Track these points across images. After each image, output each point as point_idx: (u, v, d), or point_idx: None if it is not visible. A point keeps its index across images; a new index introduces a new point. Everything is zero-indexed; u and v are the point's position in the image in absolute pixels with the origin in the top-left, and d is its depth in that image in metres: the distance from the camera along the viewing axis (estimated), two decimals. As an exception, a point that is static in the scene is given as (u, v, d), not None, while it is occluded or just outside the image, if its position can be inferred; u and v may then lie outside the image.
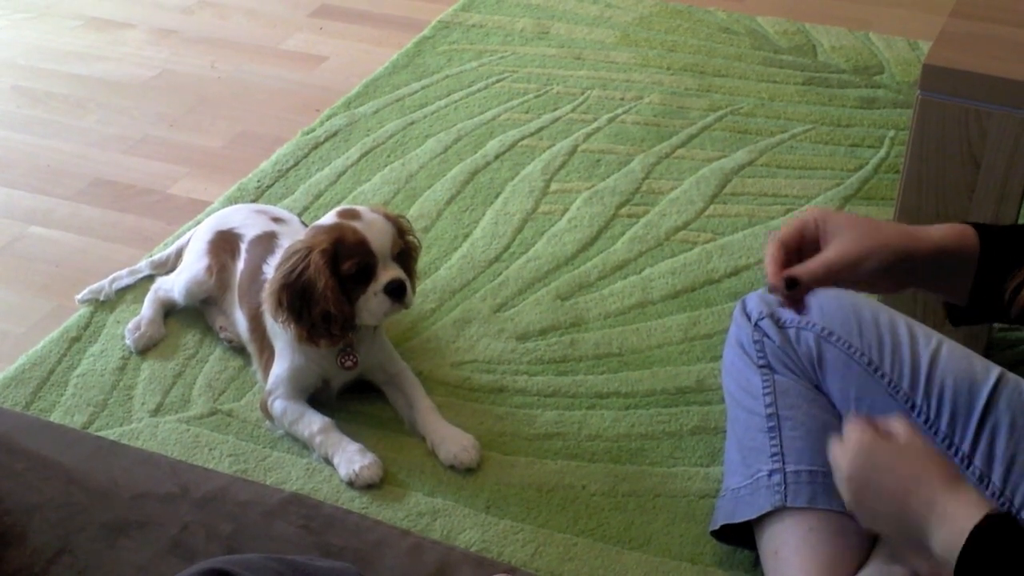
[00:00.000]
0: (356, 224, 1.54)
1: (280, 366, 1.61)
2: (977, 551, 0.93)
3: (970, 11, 1.59)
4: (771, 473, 1.31)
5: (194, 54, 2.65)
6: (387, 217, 1.58)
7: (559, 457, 1.58)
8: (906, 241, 1.11)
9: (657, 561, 1.43)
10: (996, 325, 1.67)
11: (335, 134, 2.28)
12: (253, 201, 2.07)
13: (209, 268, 1.76)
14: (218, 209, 2.04)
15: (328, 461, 1.56)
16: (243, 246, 1.73)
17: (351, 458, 1.54)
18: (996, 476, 1.20)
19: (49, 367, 1.73)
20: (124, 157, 2.28)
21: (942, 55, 1.47)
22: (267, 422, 1.62)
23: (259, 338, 1.66)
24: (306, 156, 2.22)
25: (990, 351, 1.66)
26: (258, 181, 2.14)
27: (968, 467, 1.21)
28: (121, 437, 1.60)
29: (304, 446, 1.58)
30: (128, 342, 1.76)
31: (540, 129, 2.28)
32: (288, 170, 2.18)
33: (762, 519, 1.31)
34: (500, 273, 1.91)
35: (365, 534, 1.28)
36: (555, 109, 2.35)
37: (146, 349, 1.76)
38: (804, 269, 1.11)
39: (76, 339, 1.78)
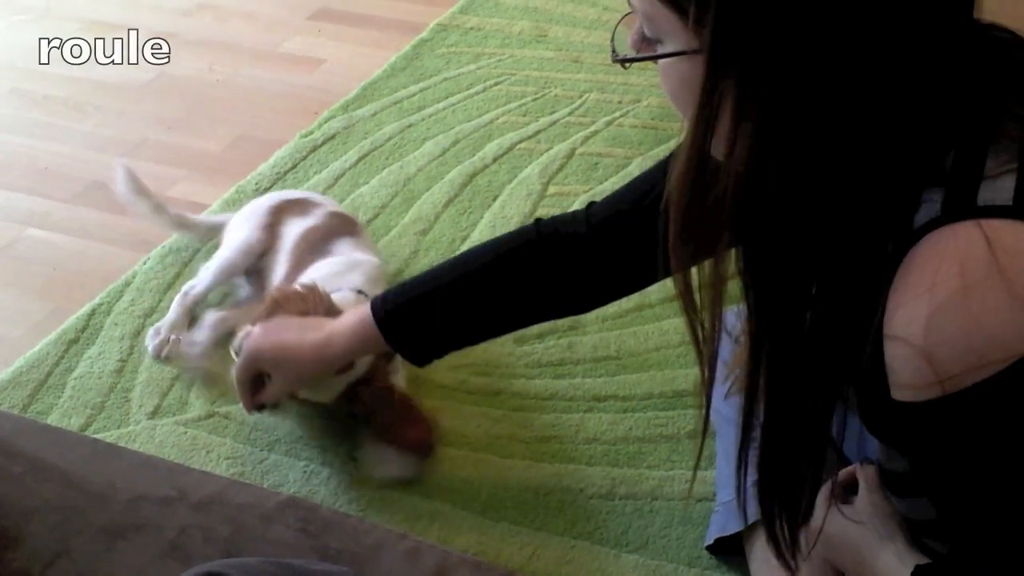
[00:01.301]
0: None
1: None
2: None
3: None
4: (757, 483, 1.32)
5: (192, 57, 2.65)
6: None
7: (556, 460, 1.58)
8: (319, 365, 1.43)
9: (654, 564, 1.43)
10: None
11: (333, 137, 2.28)
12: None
13: (265, 230, 1.79)
14: (216, 212, 2.05)
15: None
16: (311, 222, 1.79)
17: None
18: None
19: (46, 370, 1.73)
20: (122, 160, 2.27)
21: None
22: None
23: None
24: (304, 159, 2.22)
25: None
26: (256, 184, 2.14)
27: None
28: (119, 440, 1.60)
29: (302, 448, 1.59)
30: (149, 349, 1.75)
31: (538, 132, 2.28)
32: (286, 173, 2.18)
33: (751, 530, 1.31)
34: (498, 276, 1.91)
35: (363, 537, 1.28)
36: (553, 112, 2.35)
37: (168, 357, 1.73)
38: (266, 397, 1.46)
39: (74, 341, 1.78)
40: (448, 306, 1.37)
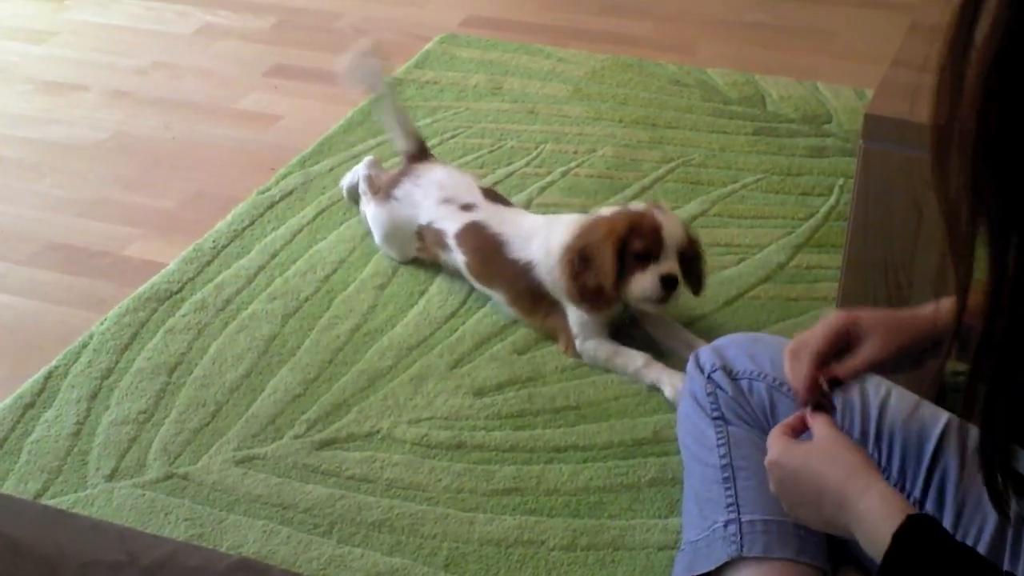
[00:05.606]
0: (656, 213, 1.80)
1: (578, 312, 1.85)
2: (901, 554, 0.99)
3: (911, 60, 1.61)
4: (727, 524, 1.31)
5: (148, 115, 2.65)
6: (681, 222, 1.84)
7: (518, 512, 1.57)
8: (920, 334, 1.20)
9: (617, 615, 1.42)
10: (948, 370, 1.68)
11: (290, 193, 2.28)
12: (208, 263, 2.06)
13: None
14: (173, 271, 2.04)
15: (656, 386, 1.77)
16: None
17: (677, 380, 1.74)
18: (947, 520, 1.21)
19: (2, 435, 1.71)
20: (78, 220, 2.27)
21: (883, 105, 1.50)
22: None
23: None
24: (261, 215, 2.22)
25: (941, 397, 1.66)
26: (213, 241, 2.13)
27: (920, 511, 1.22)
28: (76, 503, 1.58)
29: (261, 507, 1.57)
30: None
31: (495, 184, 2.29)
32: (244, 229, 2.17)
33: (720, 570, 1.31)
34: (456, 329, 1.91)
35: (319, 597, 1.27)
36: (509, 163, 2.36)
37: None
38: (846, 369, 1.19)
39: (30, 405, 1.76)
40: None
